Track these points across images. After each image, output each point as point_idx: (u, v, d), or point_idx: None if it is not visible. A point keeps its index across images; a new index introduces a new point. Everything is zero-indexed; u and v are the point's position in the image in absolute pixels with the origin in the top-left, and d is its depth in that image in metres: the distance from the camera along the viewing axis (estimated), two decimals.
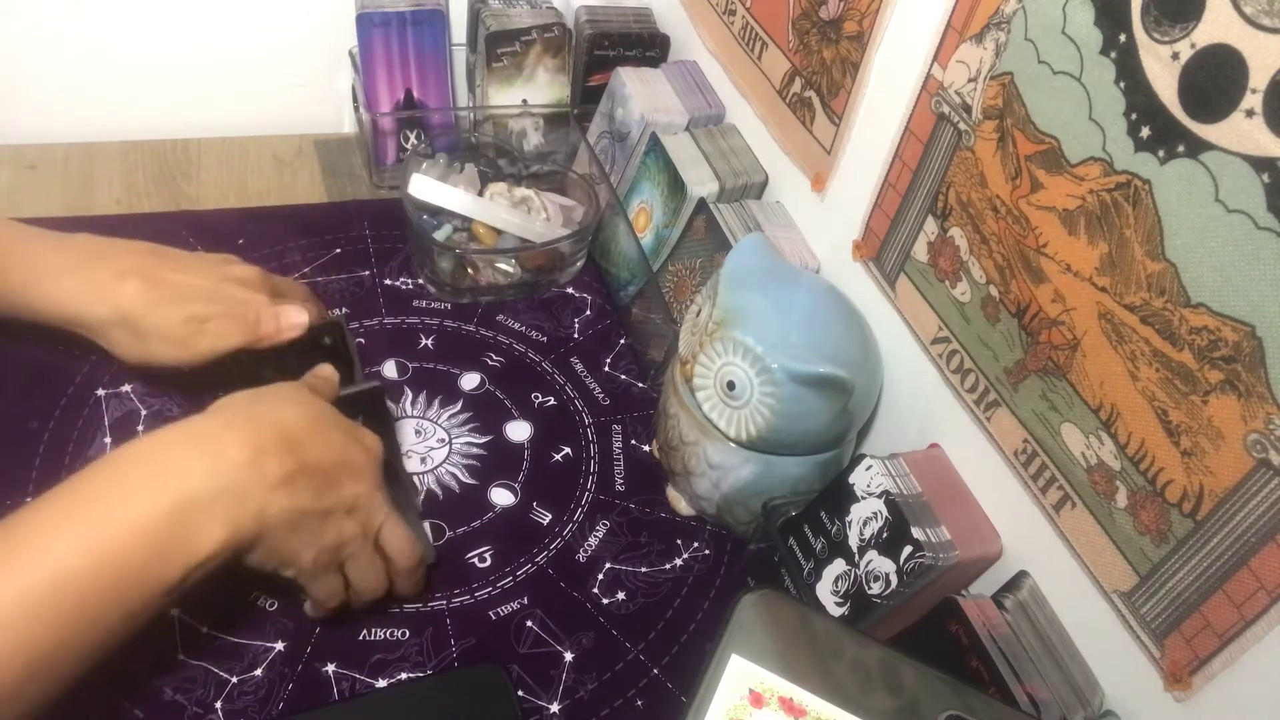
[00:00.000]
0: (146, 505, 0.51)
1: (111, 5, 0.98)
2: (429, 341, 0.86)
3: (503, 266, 0.90)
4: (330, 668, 0.64)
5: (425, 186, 0.88)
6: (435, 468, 0.76)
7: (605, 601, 0.70)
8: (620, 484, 0.78)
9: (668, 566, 0.74)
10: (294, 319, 0.68)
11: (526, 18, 0.97)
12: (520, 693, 0.64)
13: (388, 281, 0.91)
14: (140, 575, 0.50)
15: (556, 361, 0.87)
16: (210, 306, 0.66)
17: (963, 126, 0.61)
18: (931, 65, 0.63)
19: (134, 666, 0.61)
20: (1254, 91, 0.43)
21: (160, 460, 0.53)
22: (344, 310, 0.86)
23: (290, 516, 0.55)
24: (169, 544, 0.51)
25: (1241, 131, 0.44)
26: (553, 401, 0.83)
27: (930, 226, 0.66)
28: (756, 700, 0.45)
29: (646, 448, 0.81)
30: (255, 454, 0.54)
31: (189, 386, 0.71)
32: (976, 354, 0.63)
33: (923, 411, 0.70)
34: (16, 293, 0.65)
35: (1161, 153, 0.48)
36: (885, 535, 0.61)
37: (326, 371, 0.67)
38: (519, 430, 0.81)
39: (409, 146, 1.00)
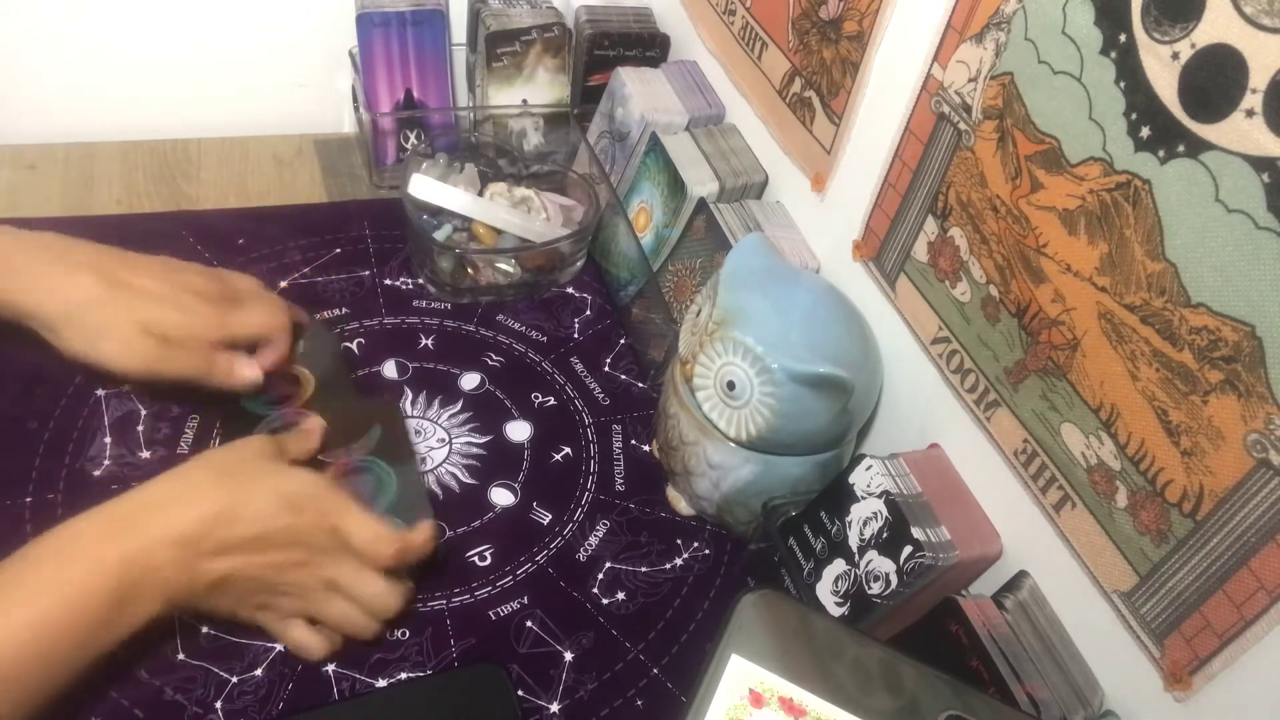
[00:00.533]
0: (87, 584, 0.53)
1: (111, 5, 0.98)
2: (429, 341, 0.86)
3: (503, 266, 0.90)
4: (330, 668, 0.64)
5: (425, 186, 0.88)
6: (435, 468, 0.76)
7: (605, 601, 0.70)
8: (620, 484, 0.78)
9: (668, 566, 0.74)
10: (245, 374, 0.70)
11: (526, 18, 0.97)
12: (520, 693, 0.64)
13: (388, 281, 0.91)
14: (77, 650, 0.53)
15: (556, 361, 0.87)
16: (164, 313, 0.66)
17: (963, 126, 0.61)
18: (931, 65, 0.63)
19: (134, 666, 0.61)
20: (1254, 91, 0.43)
21: (99, 542, 0.55)
22: (344, 310, 0.87)
23: (215, 589, 0.58)
24: (105, 620, 0.53)
25: (1241, 131, 0.44)
26: (553, 401, 0.83)
27: (930, 226, 0.66)
28: (756, 700, 0.45)
29: (646, 448, 0.81)
30: (184, 536, 0.55)
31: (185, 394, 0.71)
32: (976, 354, 0.63)
33: (923, 411, 0.70)
34: None
35: (1161, 153, 0.48)
36: (885, 535, 0.61)
37: (310, 424, 0.68)
38: (519, 430, 0.81)
39: (409, 146, 1.00)
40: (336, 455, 0.69)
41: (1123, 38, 0.49)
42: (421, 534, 0.63)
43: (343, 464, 0.68)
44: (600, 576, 0.72)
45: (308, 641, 0.62)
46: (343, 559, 0.60)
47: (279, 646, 0.64)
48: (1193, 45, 0.46)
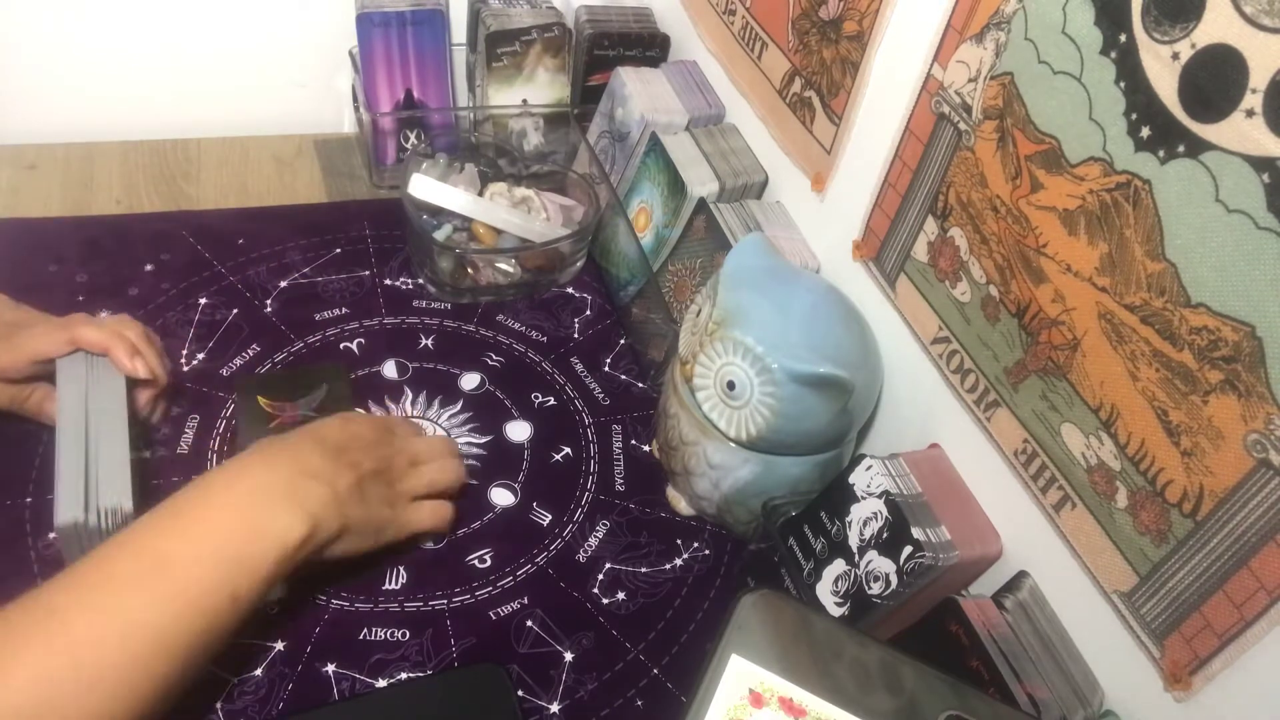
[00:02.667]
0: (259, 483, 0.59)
1: (111, 5, 0.98)
2: (429, 341, 0.86)
3: (503, 266, 0.90)
4: (330, 668, 0.64)
5: (425, 186, 0.88)
6: None
7: (605, 601, 0.70)
8: (620, 484, 0.78)
9: (668, 566, 0.74)
10: (51, 409, 0.68)
11: (526, 17, 0.97)
12: (520, 693, 0.64)
13: (388, 281, 0.91)
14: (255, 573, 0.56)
15: (556, 361, 0.87)
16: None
17: (963, 126, 0.61)
18: (931, 65, 0.63)
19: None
20: (1254, 91, 0.43)
21: (255, 514, 0.58)
22: (344, 310, 0.87)
23: (353, 496, 0.62)
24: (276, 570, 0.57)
25: (1242, 131, 0.44)
26: (553, 401, 0.83)
27: (930, 226, 0.66)
28: (756, 700, 0.45)
29: (646, 448, 0.81)
30: (331, 485, 0.61)
31: None
32: (976, 354, 0.63)
33: (923, 411, 0.70)
34: None
35: (1162, 153, 0.48)
36: (885, 535, 0.61)
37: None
38: (519, 430, 0.81)
39: (409, 146, 1.00)
40: (284, 409, 0.76)
41: (1123, 38, 0.49)
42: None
43: (290, 416, 0.76)
44: (600, 577, 0.72)
45: (438, 513, 0.69)
46: (406, 442, 0.70)
47: (279, 646, 0.64)
48: (1193, 45, 0.46)
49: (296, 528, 0.57)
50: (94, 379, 0.66)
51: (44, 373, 0.68)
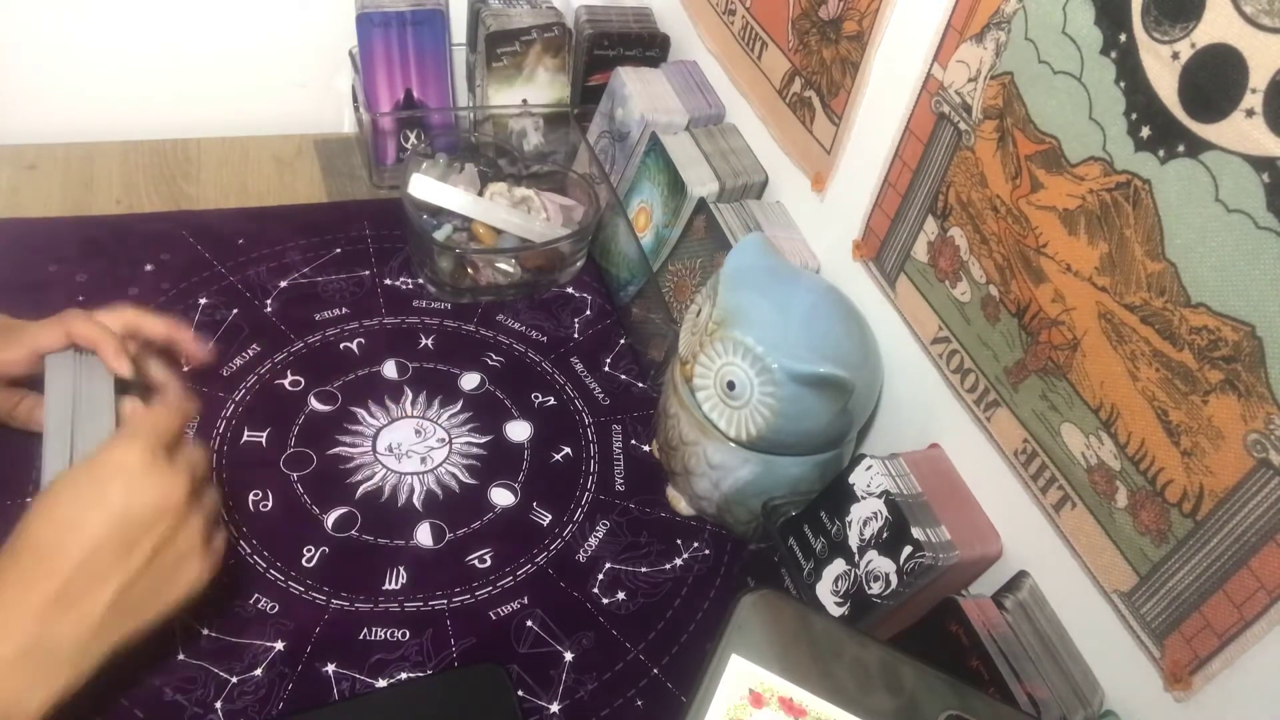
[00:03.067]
0: None
1: (111, 5, 0.98)
2: (429, 341, 0.86)
3: (503, 266, 0.90)
4: (330, 668, 0.64)
5: (425, 186, 0.88)
6: (435, 468, 0.76)
7: (605, 601, 0.70)
8: (620, 484, 0.78)
9: (668, 566, 0.74)
10: (39, 416, 0.65)
11: (526, 18, 0.97)
12: (520, 693, 0.64)
13: (388, 281, 0.91)
14: None
15: (556, 361, 0.87)
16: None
17: (963, 126, 0.61)
18: (931, 65, 0.63)
19: (134, 666, 0.61)
20: (1254, 91, 0.43)
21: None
22: (344, 310, 0.87)
23: (141, 612, 0.54)
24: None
25: (1241, 131, 0.44)
26: (553, 401, 0.83)
27: (930, 226, 0.66)
28: (756, 700, 0.45)
29: (646, 448, 0.81)
30: (87, 616, 0.52)
31: None
32: (976, 354, 0.63)
33: (923, 411, 0.70)
34: None
35: (1162, 152, 0.48)
36: (885, 535, 0.61)
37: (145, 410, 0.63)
38: (519, 430, 0.81)
39: (409, 146, 1.00)
40: None
41: (1123, 37, 0.49)
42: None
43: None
44: (600, 577, 0.72)
45: (216, 550, 0.58)
46: (189, 526, 0.56)
47: (279, 646, 0.64)
48: (1193, 45, 0.46)
49: (47, 698, 0.50)
50: (82, 377, 0.64)
51: (39, 373, 0.67)
